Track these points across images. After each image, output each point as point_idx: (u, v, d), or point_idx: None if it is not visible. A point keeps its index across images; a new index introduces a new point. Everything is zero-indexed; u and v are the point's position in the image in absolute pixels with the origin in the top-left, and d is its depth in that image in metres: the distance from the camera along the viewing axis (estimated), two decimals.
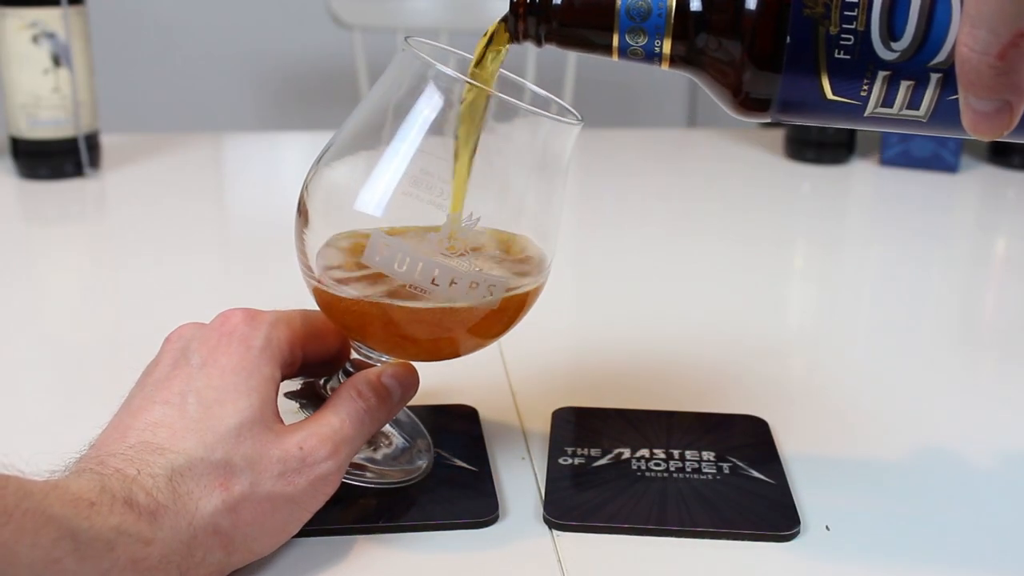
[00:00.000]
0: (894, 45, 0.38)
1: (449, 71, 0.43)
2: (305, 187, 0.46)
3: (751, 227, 0.94)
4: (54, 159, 1.00)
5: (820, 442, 0.54)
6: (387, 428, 0.50)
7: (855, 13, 0.38)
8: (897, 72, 0.39)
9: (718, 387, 0.61)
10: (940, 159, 1.07)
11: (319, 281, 0.45)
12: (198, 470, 0.39)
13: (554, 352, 0.65)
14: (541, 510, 0.47)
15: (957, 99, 0.37)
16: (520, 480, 0.50)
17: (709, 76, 0.43)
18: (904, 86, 0.39)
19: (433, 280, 0.42)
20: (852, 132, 1.11)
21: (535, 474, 0.50)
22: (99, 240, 0.92)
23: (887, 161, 1.09)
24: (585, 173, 1.18)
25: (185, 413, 0.41)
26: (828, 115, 0.41)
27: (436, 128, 0.43)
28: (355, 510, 0.46)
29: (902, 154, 1.09)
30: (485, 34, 0.45)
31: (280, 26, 2.21)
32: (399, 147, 0.43)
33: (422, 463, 0.49)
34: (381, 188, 0.43)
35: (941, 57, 0.38)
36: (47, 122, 0.99)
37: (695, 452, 0.51)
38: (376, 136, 0.44)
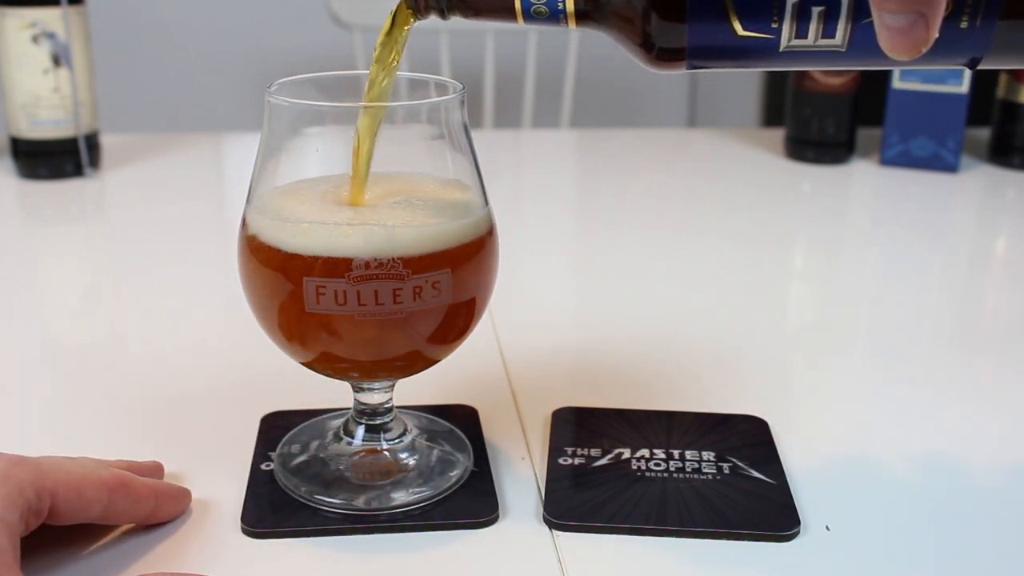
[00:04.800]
0: None
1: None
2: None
3: (751, 227, 0.94)
4: (54, 159, 1.00)
5: (820, 442, 0.54)
6: (398, 455, 0.50)
7: None
8: None
9: (718, 387, 0.61)
10: (940, 159, 1.07)
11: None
12: None
13: (554, 352, 0.65)
14: (541, 510, 0.47)
15: (872, 23, 0.36)
16: (520, 480, 0.50)
17: (617, 32, 0.41)
18: (816, 13, 0.38)
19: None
20: (852, 132, 1.11)
21: (535, 474, 0.50)
22: (99, 240, 0.92)
23: (887, 161, 1.09)
24: (585, 173, 1.18)
25: None
26: (744, 56, 0.40)
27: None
28: (354, 509, 0.46)
29: (902, 154, 1.09)
30: (388, 19, 0.45)
31: (280, 26, 2.21)
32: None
33: (454, 472, 0.49)
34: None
35: None
36: (47, 122, 0.99)
37: (695, 452, 0.51)
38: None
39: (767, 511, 0.47)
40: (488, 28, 1.72)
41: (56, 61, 0.98)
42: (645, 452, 0.51)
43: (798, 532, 0.46)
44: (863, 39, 0.38)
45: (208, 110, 2.23)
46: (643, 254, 0.86)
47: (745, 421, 0.55)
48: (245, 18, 2.21)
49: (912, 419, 0.58)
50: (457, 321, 0.46)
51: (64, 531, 0.44)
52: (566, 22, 0.42)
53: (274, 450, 0.51)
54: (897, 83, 1.07)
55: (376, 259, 0.42)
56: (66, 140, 1.00)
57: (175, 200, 0.99)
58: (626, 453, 0.51)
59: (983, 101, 1.12)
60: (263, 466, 0.50)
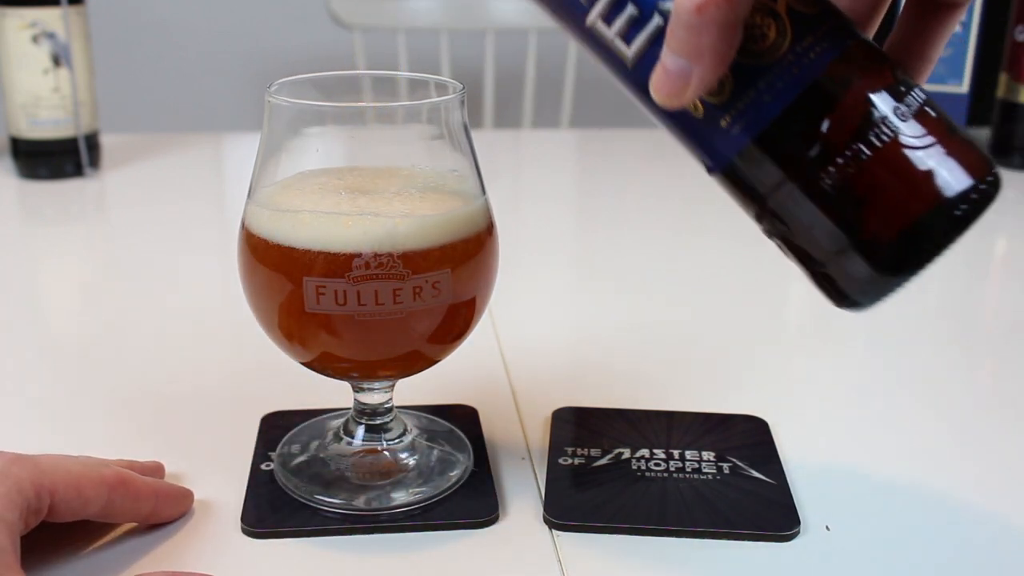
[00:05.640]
0: None
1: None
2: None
3: (751, 227, 0.94)
4: (54, 159, 1.00)
5: (820, 442, 0.54)
6: (398, 455, 0.50)
7: None
8: None
9: (718, 387, 0.61)
10: None
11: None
12: None
13: (554, 352, 0.65)
14: (541, 510, 0.47)
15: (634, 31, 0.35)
16: (520, 480, 0.50)
17: None
18: (628, 11, 0.36)
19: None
20: None
21: (535, 474, 0.50)
22: (99, 240, 0.92)
23: None
24: (585, 173, 1.18)
25: None
26: (556, 5, 0.37)
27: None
28: (354, 509, 0.46)
29: None
30: None
31: (280, 26, 2.21)
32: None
33: (454, 472, 0.49)
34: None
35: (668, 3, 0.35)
36: (47, 122, 0.99)
37: (695, 452, 0.51)
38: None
39: (767, 511, 0.47)
40: (488, 28, 1.72)
41: (56, 61, 0.98)
42: (645, 452, 0.51)
43: (798, 532, 0.46)
44: (647, 67, 0.37)
45: (208, 110, 2.23)
46: (643, 254, 0.86)
47: (745, 421, 0.55)
48: (245, 18, 2.21)
49: (912, 419, 0.58)
50: (457, 321, 0.46)
51: (64, 530, 0.44)
52: None
53: (274, 450, 0.51)
54: None
55: (376, 254, 0.42)
56: (66, 140, 1.00)
57: (175, 200, 0.99)
58: (626, 453, 0.51)
59: (983, 101, 1.12)
60: (263, 466, 0.50)
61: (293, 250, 0.43)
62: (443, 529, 0.46)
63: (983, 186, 0.39)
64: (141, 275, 0.80)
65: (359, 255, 0.42)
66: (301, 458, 0.50)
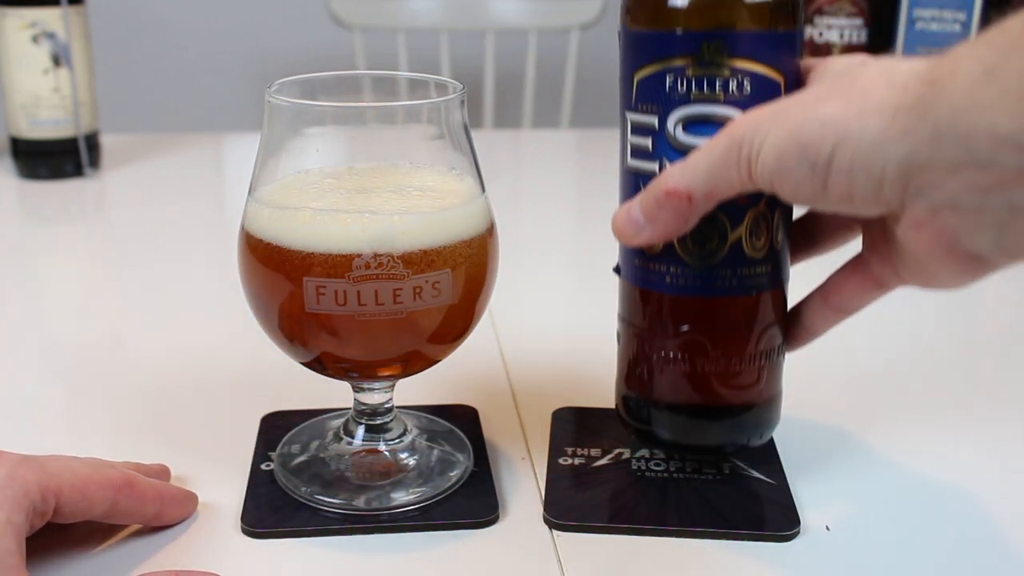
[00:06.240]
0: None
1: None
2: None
3: None
4: (54, 159, 1.01)
5: (820, 442, 0.54)
6: (398, 455, 0.50)
7: None
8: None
9: None
10: None
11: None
12: None
13: (554, 352, 0.65)
14: (541, 510, 0.47)
15: (647, 179, 0.43)
16: (520, 480, 0.50)
17: None
18: (646, 139, 0.44)
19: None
20: None
21: (535, 474, 0.50)
22: (99, 240, 0.92)
23: None
24: (585, 173, 1.19)
25: None
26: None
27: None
28: (354, 509, 0.46)
29: None
30: None
31: (280, 26, 2.21)
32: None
33: (454, 472, 0.49)
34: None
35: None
36: (47, 122, 0.99)
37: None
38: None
39: (767, 511, 0.47)
40: (488, 28, 1.72)
41: (56, 61, 0.98)
42: (645, 452, 0.51)
43: (798, 532, 0.46)
44: (630, 184, 0.45)
45: (208, 110, 2.23)
46: None
47: None
48: (245, 18, 2.21)
49: (912, 419, 0.58)
50: (457, 321, 0.46)
51: (66, 531, 0.44)
52: None
53: (274, 450, 0.51)
54: None
55: (376, 254, 0.42)
56: (66, 140, 1.00)
57: (175, 200, 0.99)
58: (626, 453, 0.51)
59: None
60: (263, 466, 0.50)
61: (293, 250, 0.43)
62: (443, 529, 0.46)
63: None
64: (141, 275, 0.80)
65: (359, 255, 0.42)
66: (301, 458, 0.50)
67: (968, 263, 0.36)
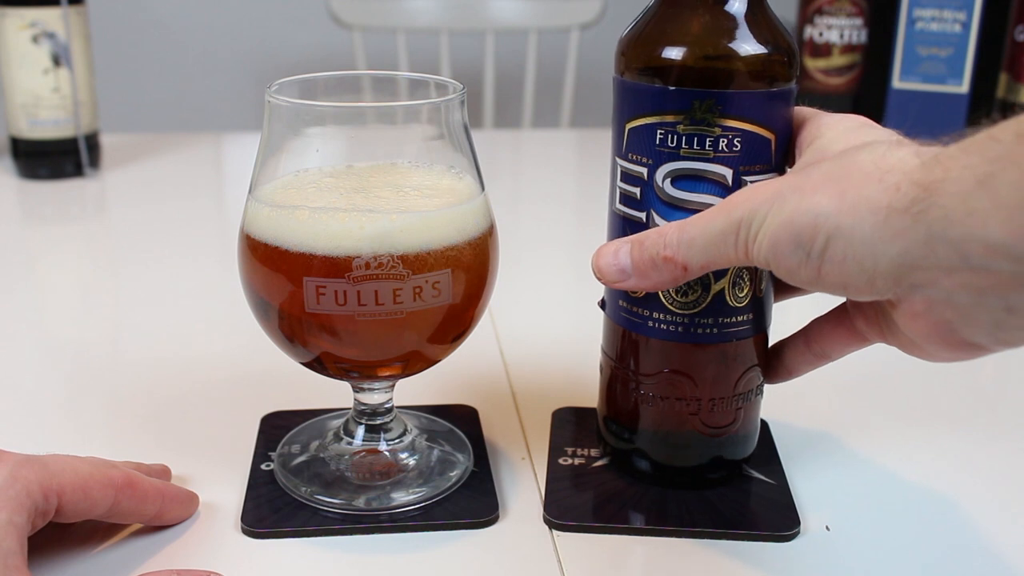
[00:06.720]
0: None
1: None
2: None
3: None
4: (54, 159, 1.01)
5: (820, 442, 0.54)
6: (398, 455, 0.50)
7: None
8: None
9: None
10: None
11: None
12: None
13: (554, 352, 0.65)
14: (541, 510, 0.47)
15: (634, 227, 0.44)
16: (520, 480, 0.50)
17: None
18: (634, 187, 0.44)
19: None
20: None
21: (535, 474, 0.50)
22: (99, 240, 0.92)
23: None
24: (585, 173, 1.19)
25: None
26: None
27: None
28: (354, 509, 0.46)
29: None
30: None
31: (280, 26, 2.21)
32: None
33: (454, 472, 0.49)
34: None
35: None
36: (47, 122, 0.99)
37: None
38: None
39: (767, 511, 0.47)
40: (488, 28, 1.72)
41: (56, 61, 0.98)
42: None
43: (798, 532, 0.46)
44: (618, 226, 0.46)
45: (208, 110, 2.23)
46: None
47: None
48: (245, 18, 2.21)
49: (912, 419, 0.58)
50: (457, 321, 0.46)
51: (67, 531, 0.44)
52: None
53: (274, 450, 0.51)
54: (897, 83, 1.07)
55: (376, 254, 0.42)
56: (66, 140, 1.00)
57: (175, 200, 0.99)
58: None
59: (983, 101, 1.12)
60: (263, 466, 0.50)
61: (293, 251, 0.43)
62: (443, 529, 0.46)
63: None
64: (141, 275, 0.80)
65: (359, 255, 0.42)
66: (301, 458, 0.50)
67: (964, 348, 0.36)
